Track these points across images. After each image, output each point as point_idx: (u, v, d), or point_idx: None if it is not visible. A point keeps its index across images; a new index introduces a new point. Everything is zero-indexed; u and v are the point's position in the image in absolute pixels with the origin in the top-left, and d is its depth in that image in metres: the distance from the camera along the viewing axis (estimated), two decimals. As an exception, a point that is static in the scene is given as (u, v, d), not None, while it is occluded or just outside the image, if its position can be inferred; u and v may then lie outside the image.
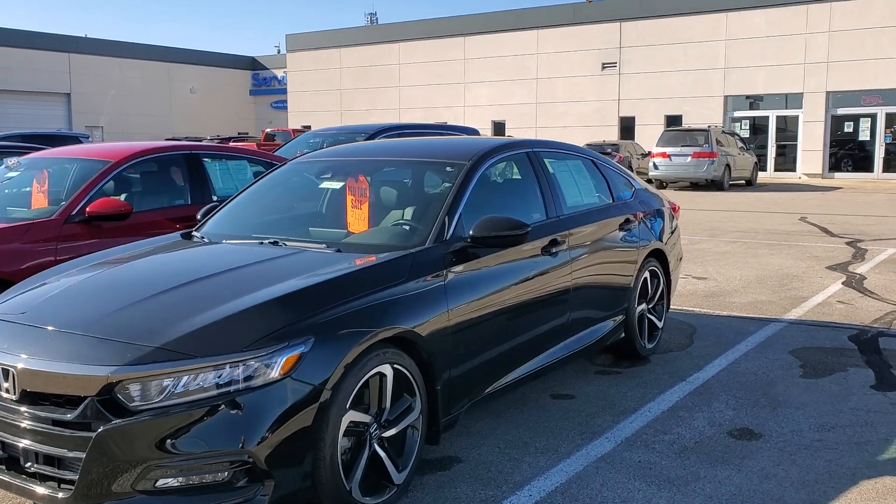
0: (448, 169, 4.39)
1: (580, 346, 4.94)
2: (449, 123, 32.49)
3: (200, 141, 32.34)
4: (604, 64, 33.42)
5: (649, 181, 25.77)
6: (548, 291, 4.51)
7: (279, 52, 50.06)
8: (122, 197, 6.23)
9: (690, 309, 7.38)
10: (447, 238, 3.93)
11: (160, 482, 2.92)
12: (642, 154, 27.71)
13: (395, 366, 3.44)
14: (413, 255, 3.76)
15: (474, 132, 14.06)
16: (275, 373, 2.99)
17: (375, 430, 3.40)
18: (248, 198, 4.82)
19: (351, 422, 3.25)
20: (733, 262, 10.20)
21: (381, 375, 3.39)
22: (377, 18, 48.13)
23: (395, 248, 3.86)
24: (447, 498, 3.56)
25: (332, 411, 3.13)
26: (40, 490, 3.04)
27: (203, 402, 2.91)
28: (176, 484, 2.94)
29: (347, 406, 3.20)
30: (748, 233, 13.37)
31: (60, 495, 2.97)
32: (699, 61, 31.39)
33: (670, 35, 31.83)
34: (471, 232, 3.94)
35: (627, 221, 5.44)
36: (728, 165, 24.60)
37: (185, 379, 2.91)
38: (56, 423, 2.98)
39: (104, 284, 3.64)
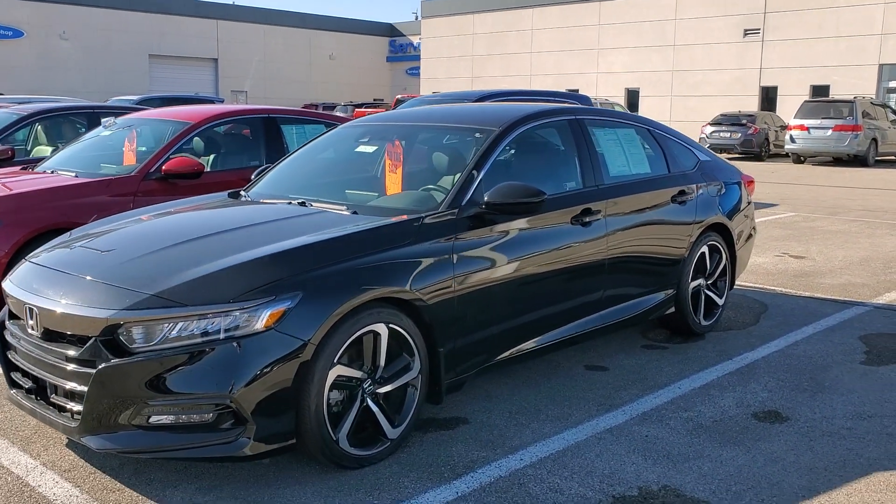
0: (477, 135, 4.41)
1: (619, 317, 4.87)
2: (580, 92, 31.99)
3: (334, 107, 33.41)
4: (746, 30, 31.80)
5: (786, 155, 24.52)
6: (577, 261, 4.47)
7: (416, 18, 50.62)
8: (210, 157, 6.62)
9: (771, 288, 7.08)
10: (463, 204, 3.97)
11: (153, 419, 3.17)
12: (781, 126, 26.27)
13: (391, 325, 3.54)
14: (422, 219, 3.82)
15: (586, 100, 13.77)
16: (259, 325, 3.16)
17: (369, 385, 3.53)
18: (294, 160, 5.02)
19: (340, 376, 3.38)
20: (842, 241, 9.64)
21: (375, 334, 3.50)
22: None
23: (411, 212, 3.93)
24: (439, 456, 3.65)
25: (318, 364, 3.27)
26: (57, 419, 3.36)
27: (190, 348, 3.12)
28: (167, 421, 3.18)
29: (335, 361, 3.33)
30: (875, 212, 12.55)
31: (72, 425, 3.28)
32: (852, 27, 29.30)
33: (820, -1, 29.87)
34: (486, 198, 3.96)
35: (682, 193, 5.28)
36: (875, 140, 22.95)
37: (174, 325, 3.13)
38: (68, 359, 3.28)
39: (131, 236, 3.93)
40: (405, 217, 3.84)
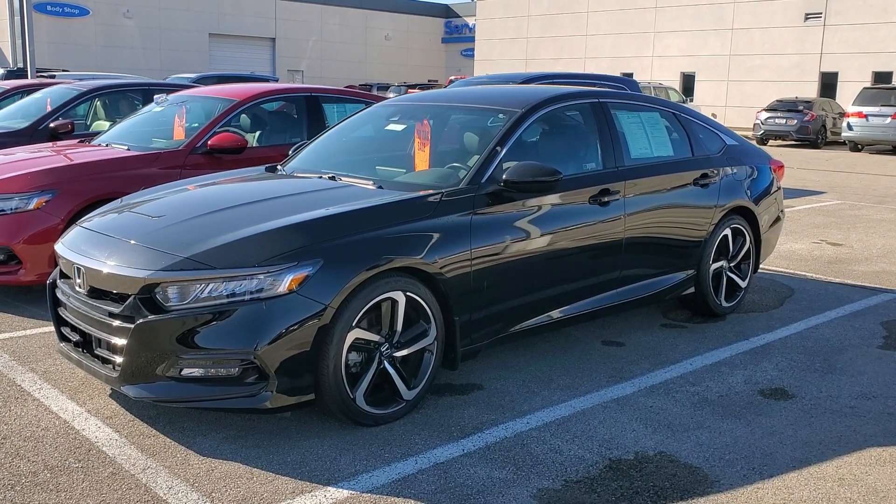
0: (500, 115, 4.60)
1: (636, 295, 5.02)
2: (634, 76, 31.68)
3: (388, 88, 33.69)
4: (807, 14, 31.13)
5: (843, 143, 24.05)
6: (594, 239, 4.63)
7: (472, -1, 50.63)
8: (255, 133, 6.93)
9: (801, 273, 7.12)
10: (482, 181, 4.17)
11: (185, 371, 3.46)
12: (839, 113, 25.74)
13: (409, 293, 3.76)
14: (442, 194, 4.03)
15: (634, 85, 13.75)
16: (282, 288, 3.42)
17: (387, 349, 3.77)
18: (328, 137, 5.28)
19: (357, 339, 3.62)
20: (885, 230, 9.57)
21: (393, 301, 3.74)
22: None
23: (432, 188, 4.15)
24: (452, 417, 3.89)
25: (337, 327, 3.52)
26: (100, 370, 3.67)
27: (218, 307, 3.39)
28: (198, 374, 3.47)
29: (353, 324, 3.58)
30: (924, 201, 12.35)
31: (113, 375, 3.59)
32: (918, 12, 28.48)
33: (886, -18, 29.07)
34: (504, 176, 4.16)
35: (705, 176, 5.39)
36: (936, 128, 22.37)
37: (205, 286, 3.41)
38: (111, 314, 3.59)
39: (173, 204, 4.22)
40: (426, 192, 4.06)
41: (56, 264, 4.27)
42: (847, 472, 3.41)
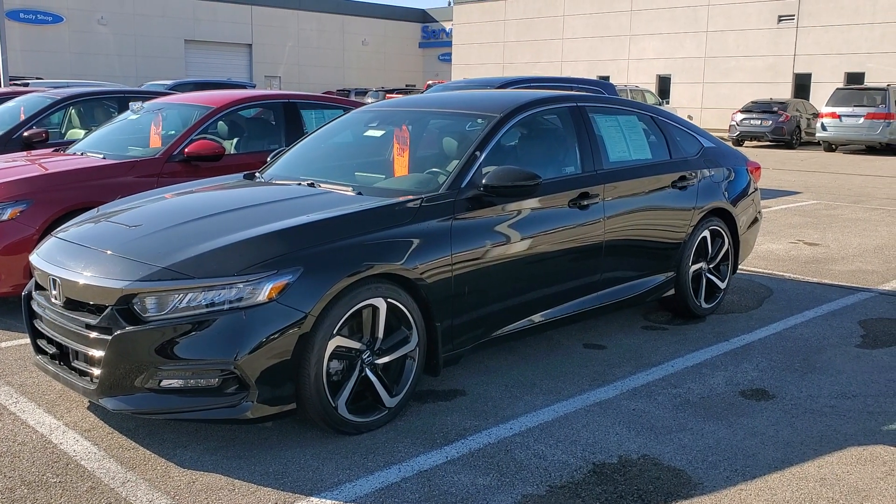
0: (479, 120, 4.60)
1: (616, 298, 5.03)
2: (611, 79, 31.82)
3: (366, 93, 33.67)
4: (780, 16, 31.43)
5: (818, 143, 24.31)
6: (574, 243, 4.63)
7: (449, 4, 50.71)
8: (232, 141, 6.87)
9: (779, 273, 7.18)
10: (462, 186, 4.16)
11: (164, 382, 3.42)
12: (813, 114, 26.01)
13: (390, 300, 3.75)
14: (421, 200, 4.02)
15: (611, 88, 13.80)
16: (262, 297, 3.39)
17: (368, 356, 3.74)
18: (307, 144, 5.25)
19: (339, 346, 3.60)
20: (860, 229, 9.67)
21: (374, 308, 3.72)
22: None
23: (412, 193, 4.13)
24: (434, 424, 3.87)
25: (318, 335, 3.49)
26: (78, 383, 3.62)
27: (197, 317, 3.35)
28: (177, 385, 3.42)
29: (334, 332, 3.55)
30: (898, 200, 12.50)
31: (91, 387, 3.54)
32: (888, 13, 28.84)
33: (857, -16, 29.43)
34: (483, 181, 4.15)
35: (683, 178, 5.41)
36: (908, 128, 22.66)
37: (183, 296, 3.37)
38: (88, 326, 3.54)
39: (150, 213, 4.18)
40: (406, 198, 4.04)
41: (31, 275, 4.21)
42: (829, 472, 3.43)
